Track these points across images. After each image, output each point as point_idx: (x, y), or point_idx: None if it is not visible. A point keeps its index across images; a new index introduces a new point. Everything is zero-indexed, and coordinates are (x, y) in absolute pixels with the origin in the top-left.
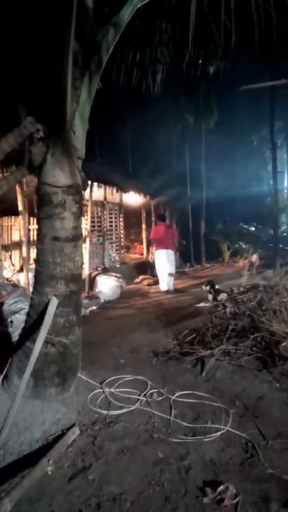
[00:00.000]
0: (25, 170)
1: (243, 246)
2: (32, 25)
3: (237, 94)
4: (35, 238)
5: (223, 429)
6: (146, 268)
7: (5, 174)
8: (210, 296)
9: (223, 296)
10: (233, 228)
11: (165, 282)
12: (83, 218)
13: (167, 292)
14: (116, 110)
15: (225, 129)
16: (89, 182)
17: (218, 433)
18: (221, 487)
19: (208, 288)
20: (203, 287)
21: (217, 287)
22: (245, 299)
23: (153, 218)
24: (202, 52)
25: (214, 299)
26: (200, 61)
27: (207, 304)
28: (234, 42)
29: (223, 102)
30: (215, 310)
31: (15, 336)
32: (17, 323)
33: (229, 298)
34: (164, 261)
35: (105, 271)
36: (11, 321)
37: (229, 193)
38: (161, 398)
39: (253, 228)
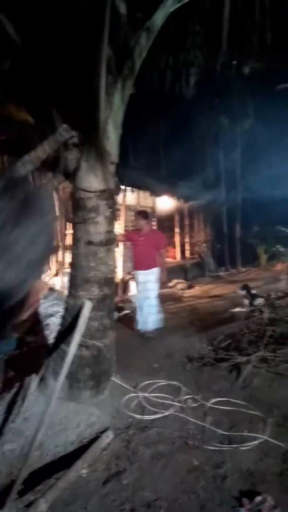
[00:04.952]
0: (61, 177)
1: (281, 249)
2: (65, 32)
3: (274, 93)
4: (71, 242)
5: (261, 438)
6: (180, 272)
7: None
8: (246, 301)
9: (259, 301)
10: (270, 231)
11: (140, 318)
12: (116, 223)
13: (143, 334)
14: (150, 114)
15: (262, 129)
16: (122, 187)
17: (256, 442)
18: (258, 498)
19: (244, 292)
20: (239, 291)
21: (253, 291)
22: (283, 304)
23: (186, 222)
24: (237, 52)
25: (251, 304)
26: (234, 62)
27: (243, 309)
28: (270, 41)
29: (258, 102)
30: (252, 316)
31: (50, 339)
32: (53, 326)
33: (266, 303)
34: (136, 287)
35: None
36: (47, 324)
37: (266, 195)
38: (196, 404)
39: None
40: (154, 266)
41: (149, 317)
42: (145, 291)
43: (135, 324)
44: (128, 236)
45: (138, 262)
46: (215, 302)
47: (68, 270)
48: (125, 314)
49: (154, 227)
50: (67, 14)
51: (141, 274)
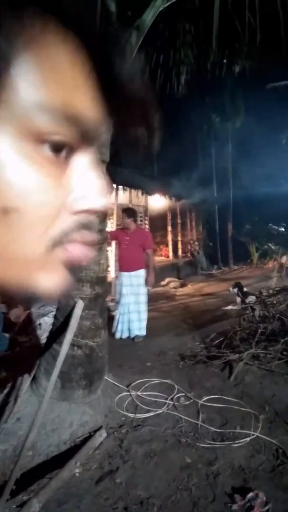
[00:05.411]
0: None
1: (273, 247)
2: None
3: (264, 92)
4: None
5: (253, 435)
6: (172, 270)
7: None
8: (238, 299)
9: (251, 298)
10: (261, 229)
11: (120, 325)
12: (108, 222)
13: (133, 339)
14: None
15: (253, 128)
16: (115, 185)
17: (248, 439)
18: (250, 494)
19: (236, 290)
20: (231, 289)
21: (245, 289)
22: (274, 302)
23: (178, 221)
24: (227, 51)
25: (243, 301)
26: (225, 61)
27: (235, 307)
28: (259, 39)
29: (249, 101)
30: (244, 313)
31: (43, 339)
32: (46, 325)
33: (258, 301)
34: (121, 290)
35: None
36: (40, 324)
37: (257, 193)
38: (188, 402)
39: (283, 229)
40: (140, 267)
41: (134, 324)
42: (133, 295)
43: (114, 332)
44: (113, 234)
45: (123, 263)
46: (207, 300)
47: None
48: None
49: (146, 226)
50: (57, 11)
51: (126, 276)
